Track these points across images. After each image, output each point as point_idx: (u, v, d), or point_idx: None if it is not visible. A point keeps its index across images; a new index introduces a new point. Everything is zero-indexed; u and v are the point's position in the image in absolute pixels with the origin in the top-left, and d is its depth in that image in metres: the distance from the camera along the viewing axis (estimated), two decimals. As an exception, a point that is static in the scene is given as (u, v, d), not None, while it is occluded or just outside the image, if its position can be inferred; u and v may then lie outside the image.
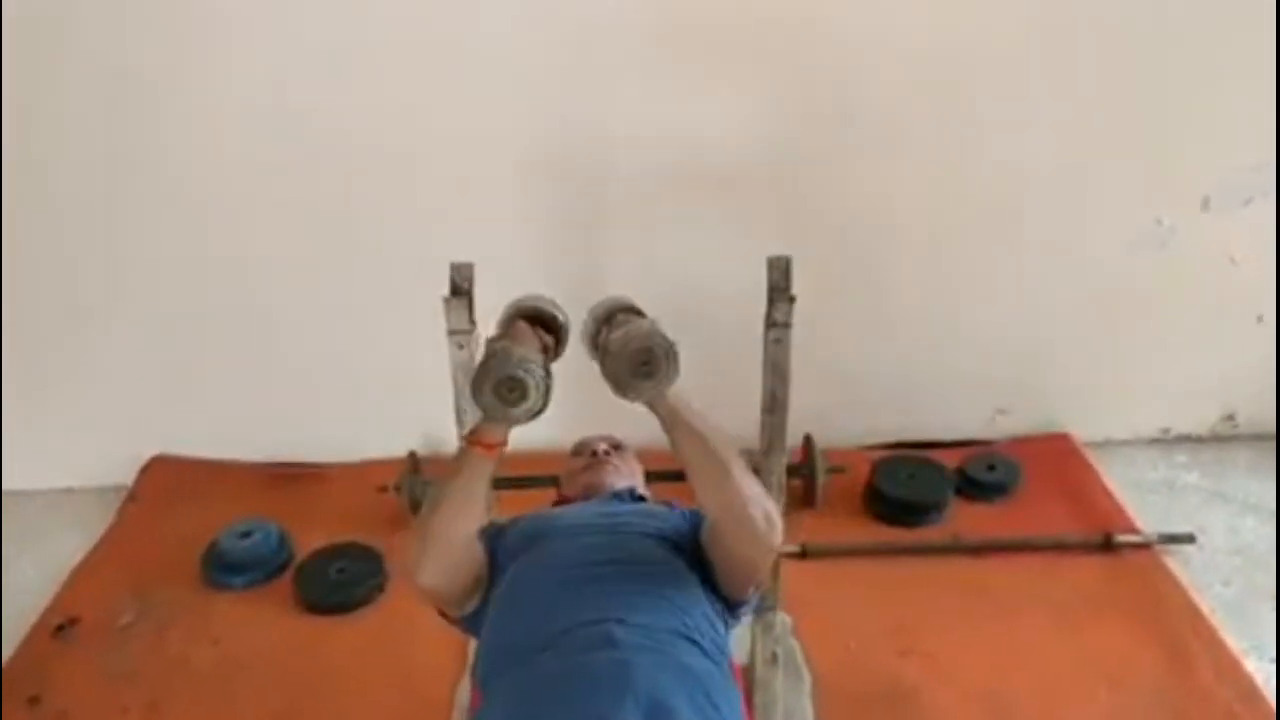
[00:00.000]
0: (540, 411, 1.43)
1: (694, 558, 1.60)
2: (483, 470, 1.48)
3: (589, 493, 1.84)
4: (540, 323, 1.65)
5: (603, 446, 1.93)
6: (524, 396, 1.40)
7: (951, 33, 2.52)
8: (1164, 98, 2.60)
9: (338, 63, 2.52)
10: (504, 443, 1.47)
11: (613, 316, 1.60)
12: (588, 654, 1.39)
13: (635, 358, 1.42)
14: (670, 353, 1.42)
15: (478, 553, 1.57)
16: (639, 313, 1.62)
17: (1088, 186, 2.71)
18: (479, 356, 1.46)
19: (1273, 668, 2.26)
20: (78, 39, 2.50)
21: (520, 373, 1.39)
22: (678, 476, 1.54)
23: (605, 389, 1.47)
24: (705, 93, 2.57)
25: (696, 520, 1.64)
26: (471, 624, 1.60)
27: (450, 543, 1.49)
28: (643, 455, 1.97)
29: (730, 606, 1.60)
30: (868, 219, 2.75)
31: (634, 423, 1.86)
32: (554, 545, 1.60)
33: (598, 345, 1.56)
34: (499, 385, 1.40)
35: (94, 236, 2.75)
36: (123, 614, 2.52)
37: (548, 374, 1.43)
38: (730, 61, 2.55)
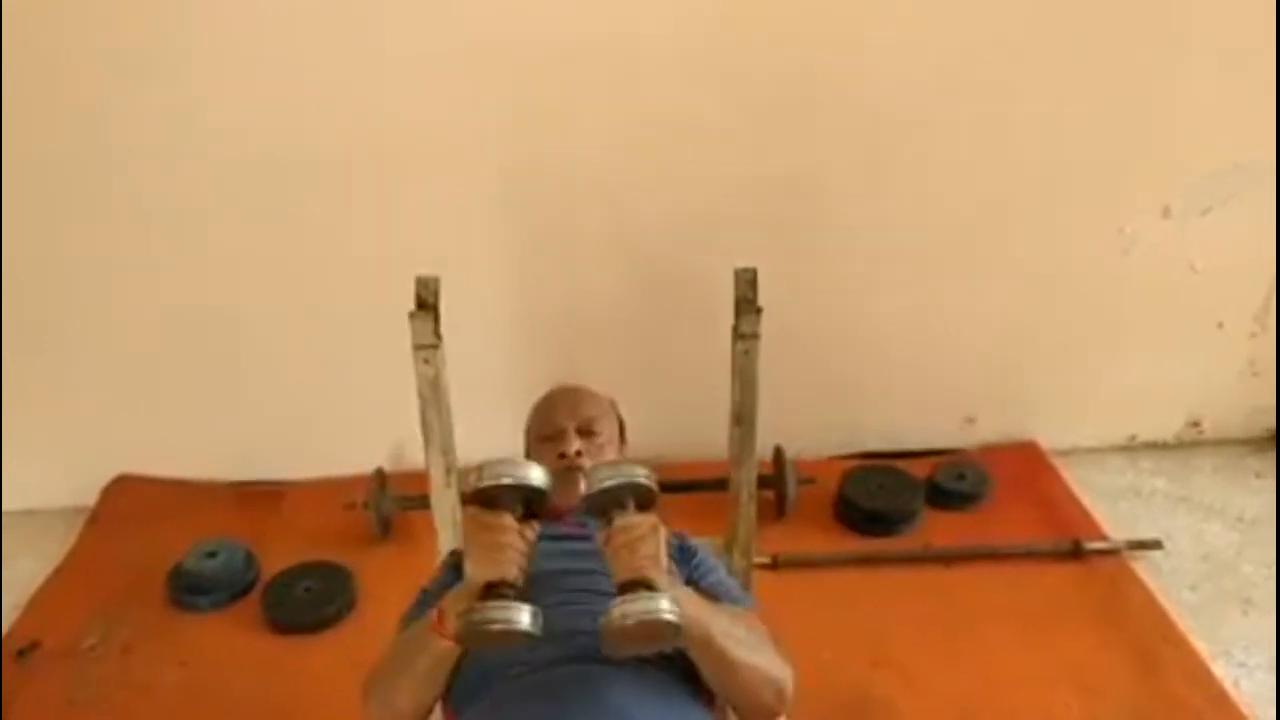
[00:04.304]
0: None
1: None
2: (448, 660, 1.35)
3: (558, 513, 1.64)
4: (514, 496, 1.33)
5: (575, 446, 1.67)
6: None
7: (916, 49, 2.54)
8: (1123, 108, 2.63)
9: (306, 76, 2.50)
10: None
11: (609, 508, 1.33)
12: (563, 668, 1.38)
13: (635, 645, 1.27)
14: (673, 630, 1.24)
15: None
16: (647, 492, 1.33)
17: (1051, 197, 2.73)
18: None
19: (1240, 671, 2.28)
20: (34, 56, 2.47)
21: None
22: (666, 489, 1.41)
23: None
24: (682, 102, 2.57)
25: (687, 560, 1.59)
26: None
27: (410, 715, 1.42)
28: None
29: None
30: (837, 231, 2.76)
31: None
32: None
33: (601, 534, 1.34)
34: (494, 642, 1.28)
35: (53, 252, 2.70)
36: (86, 637, 2.47)
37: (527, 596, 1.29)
38: (706, 74, 2.55)
